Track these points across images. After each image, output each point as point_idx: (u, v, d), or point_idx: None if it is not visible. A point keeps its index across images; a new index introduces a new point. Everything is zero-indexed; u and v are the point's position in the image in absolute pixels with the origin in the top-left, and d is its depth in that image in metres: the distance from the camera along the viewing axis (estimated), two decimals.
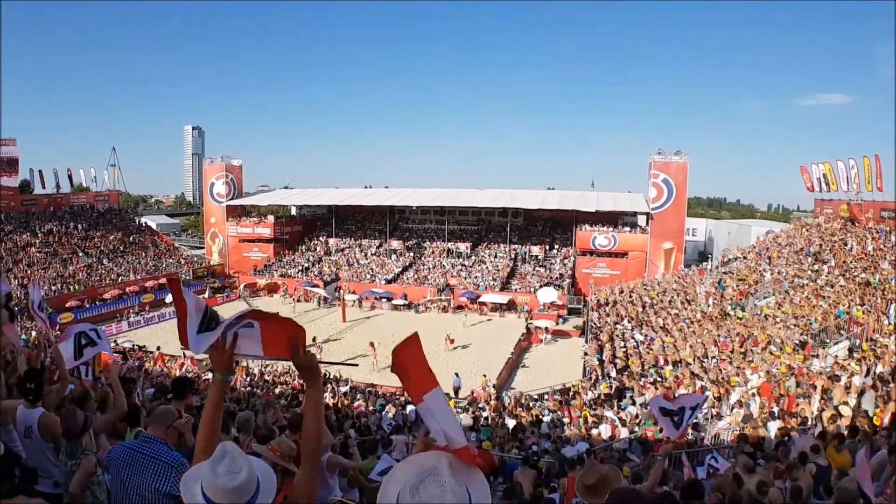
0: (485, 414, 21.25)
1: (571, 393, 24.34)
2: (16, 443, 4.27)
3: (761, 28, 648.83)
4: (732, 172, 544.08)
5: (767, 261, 36.51)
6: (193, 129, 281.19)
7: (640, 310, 35.23)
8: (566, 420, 20.32)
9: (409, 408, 22.56)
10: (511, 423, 19.74)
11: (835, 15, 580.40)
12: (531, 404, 23.27)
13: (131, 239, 56.72)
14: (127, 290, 46.66)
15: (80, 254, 50.17)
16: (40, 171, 58.33)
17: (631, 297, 39.11)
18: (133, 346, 32.76)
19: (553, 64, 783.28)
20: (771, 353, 20.76)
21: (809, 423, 11.87)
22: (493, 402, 23.29)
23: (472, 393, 26.27)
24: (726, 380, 19.20)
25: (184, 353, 27.81)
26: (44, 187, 58.33)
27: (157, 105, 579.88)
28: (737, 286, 33.52)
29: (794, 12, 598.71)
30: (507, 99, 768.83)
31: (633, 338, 30.45)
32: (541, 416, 20.59)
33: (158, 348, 31.45)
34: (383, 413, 20.05)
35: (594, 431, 17.60)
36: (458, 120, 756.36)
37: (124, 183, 75.56)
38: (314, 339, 35.01)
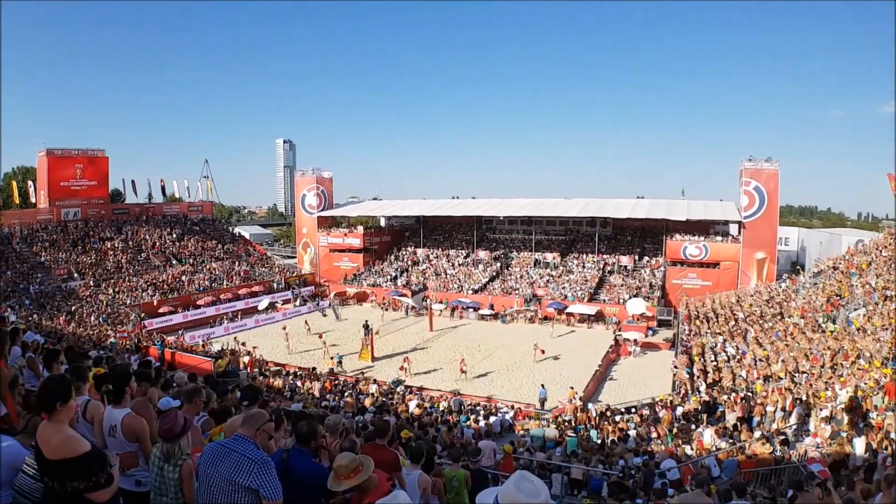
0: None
1: (657, 409, 24.02)
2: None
3: (844, 34, 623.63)
4: (822, 180, 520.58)
5: (857, 272, 35.05)
6: (285, 142, 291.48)
7: (733, 323, 34.47)
8: (654, 435, 20.22)
9: (493, 419, 22.93)
10: (595, 434, 19.82)
11: None
12: (618, 417, 23.15)
13: (225, 248, 58.92)
14: (220, 297, 48.74)
15: (174, 261, 52.69)
16: (133, 181, 61.52)
17: (722, 309, 38.25)
18: (224, 347, 34.25)
19: (644, 70, 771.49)
20: (859, 367, 20.12)
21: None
22: (579, 415, 23.28)
23: (559, 404, 26.34)
24: (816, 395, 18.75)
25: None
26: (136, 196, 61.39)
27: (250, 119, 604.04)
28: (828, 298, 32.40)
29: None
30: (597, 106, 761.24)
31: (724, 351, 29.83)
32: (627, 430, 20.53)
33: (249, 352, 32.19)
34: (465, 427, 20.40)
35: (683, 449, 17.52)
36: (546, 129, 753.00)
37: (217, 194, 78.81)
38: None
